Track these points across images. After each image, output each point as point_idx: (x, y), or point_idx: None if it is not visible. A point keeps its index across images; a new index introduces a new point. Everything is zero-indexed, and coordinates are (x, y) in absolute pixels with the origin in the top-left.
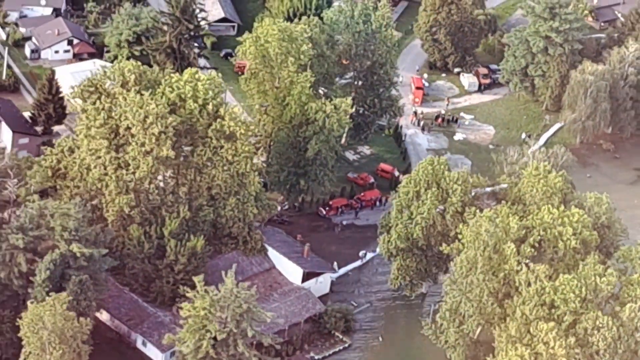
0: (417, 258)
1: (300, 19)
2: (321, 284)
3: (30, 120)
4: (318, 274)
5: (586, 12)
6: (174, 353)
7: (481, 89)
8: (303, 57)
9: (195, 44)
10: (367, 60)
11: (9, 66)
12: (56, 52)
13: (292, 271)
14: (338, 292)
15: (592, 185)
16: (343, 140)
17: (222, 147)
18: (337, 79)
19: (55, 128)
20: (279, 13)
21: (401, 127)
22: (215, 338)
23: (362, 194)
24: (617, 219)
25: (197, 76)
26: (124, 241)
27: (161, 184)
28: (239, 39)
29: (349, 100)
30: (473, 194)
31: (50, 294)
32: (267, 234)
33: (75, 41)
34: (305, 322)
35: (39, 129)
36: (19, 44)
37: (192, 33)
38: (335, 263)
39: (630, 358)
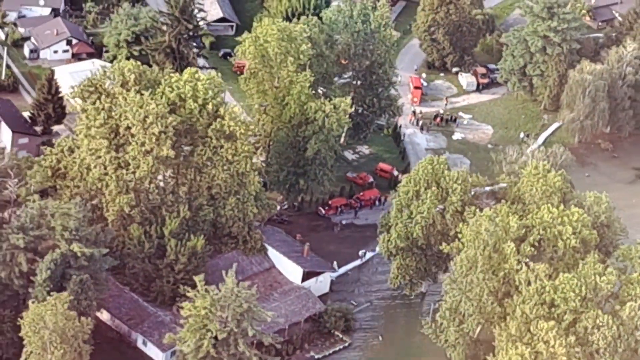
0: (416, 257)
1: (298, 18)
2: (321, 283)
3: (29, 120)
4: (318, 274)
5: (584, 11)
6: (174, 352)
7: (479, 88)
8: (302, 57)
9: (194, 44)
10: (366, 60)
11: (8, 66)
12: (55, 52)
13: (292, 270)
14: (338, 291)
15: (591, 184)
16: (342, 139)
17: (222, 146)
18: (335, 78)
19: (55, 128)
20: (277, 13)
21: (400, 126)
22: (216, 337)
23: (361, 193)
24: (616, 218)
25: (197, 76)
26: (124, 241)
27: (161, 184)
28: (238, 38)
29: (349, 99)
30: (472, 193)
31: (51, 293)
32: (266, 233)
33: (74, 41)
34: (305, 322)
35: (38, 129)
36: (17, 44)
37: (191, 33)
38: (335, 262)
39: (630, 356)
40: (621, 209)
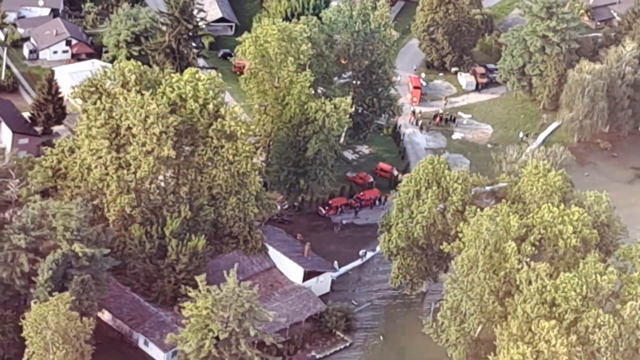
0: (417, 257)
1: (298, 18)
2: (322, 283)
3: (29, 121)
4: (319, 273)
5: (582, 11)
6: (175, 352)
7: (479, 88)
8: (302, 57)
9: (194, 44)
10: (365, 60)
11: (7, 67)
12: (55, 52)
13: (292, 270)
14: (339, 291)
15: (590, 183)
16: (342, 139)
17: (222, 146)
18: (335, 78)
19: (55, 128)
20: (276, 13)
21: (400, 126)
22: (217, 337)
23: (361, 193)
24: (616, 217)
25: (197, 76)
26: (126, 241)
27: (162, 184)
28: (237, 39)
29: (349, 99)
30: (473, 192)
31: (52, 294)
32: (267, 233)
33: (74, 41)
34: (306, 321)
35: (38, 129)
36: (17, 44)
37: (191, 33)
38: (335, 262)
39: (631, 356)
40: (620, 208)
